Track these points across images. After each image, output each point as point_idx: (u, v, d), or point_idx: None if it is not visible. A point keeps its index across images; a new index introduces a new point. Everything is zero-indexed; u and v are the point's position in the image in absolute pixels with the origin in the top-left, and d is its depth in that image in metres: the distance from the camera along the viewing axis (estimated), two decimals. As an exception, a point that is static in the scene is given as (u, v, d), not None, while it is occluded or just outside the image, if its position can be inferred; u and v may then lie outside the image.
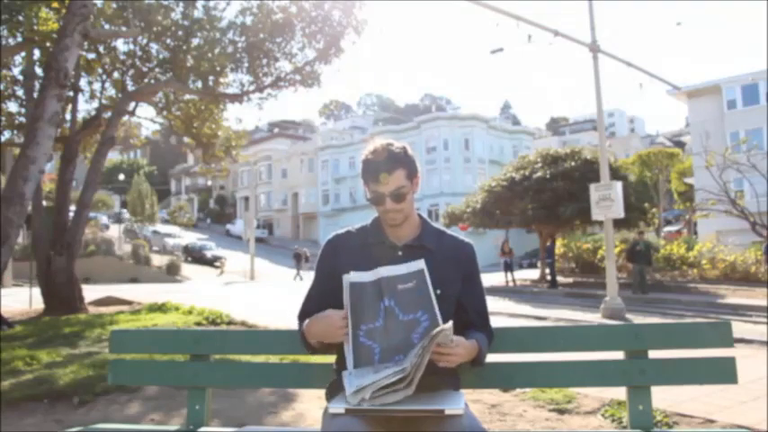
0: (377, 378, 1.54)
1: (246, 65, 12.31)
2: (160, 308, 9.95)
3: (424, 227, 1.92)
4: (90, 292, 12.37)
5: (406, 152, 1.83)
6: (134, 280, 27.75)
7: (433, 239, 1.90)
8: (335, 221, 46.65)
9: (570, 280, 20.66)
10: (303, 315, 1.93)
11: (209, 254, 37.38)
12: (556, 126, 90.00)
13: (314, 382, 2.13)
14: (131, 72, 12.70)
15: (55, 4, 9.54)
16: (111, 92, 13.09)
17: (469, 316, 1.92)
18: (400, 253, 1.86)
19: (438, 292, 1.79)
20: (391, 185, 1.79)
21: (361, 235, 1.93)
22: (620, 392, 3.17)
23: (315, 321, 1.80)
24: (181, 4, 12.26)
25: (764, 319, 10.40)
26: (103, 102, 12.83)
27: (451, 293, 1.86)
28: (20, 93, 11.77)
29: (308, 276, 29.54)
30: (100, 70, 12.54)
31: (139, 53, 12.53)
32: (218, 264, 35.35)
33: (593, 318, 11.51)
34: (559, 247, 21.36)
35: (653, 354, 2.02)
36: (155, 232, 40.15)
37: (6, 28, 10.22)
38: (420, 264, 1.74)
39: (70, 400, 4.30)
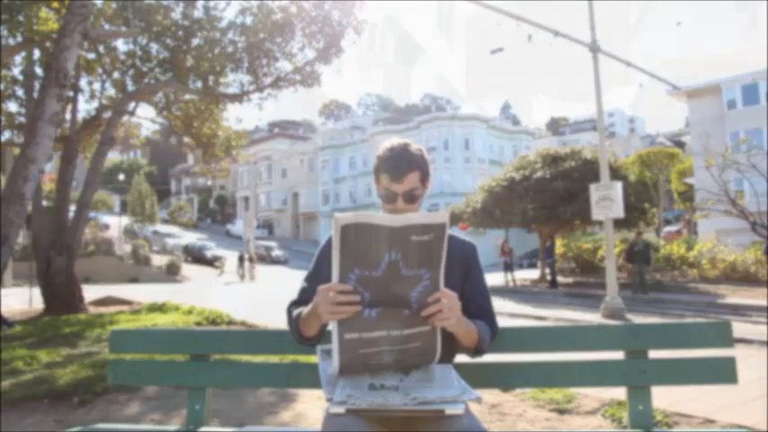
0: (370, 397, 1.55)
1: (246, 65, 12.33)
2: (160, 308, 9.96)
3: None
4: (90, 292, 12.38)
5: (422, 155, 1.84)
6: (134, 280, 27.78)
7: None
8: (335, 221, 46.58)
9: (570, 280, 20.65)
10: (295, 304, 1.89)
11: (208, 254, 37.44)
12: (556, 126, 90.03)
13: (314, 382, 2.12)
14: (131, 72, 12.72)
15: (55, 4, 9.55)
16: (111, 92, 13.12)
17: (471, 310, 1.91)
18: None
19: None
20: (405, 186, 1.79)
21: None
22: (620, 392, 3.16)
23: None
24: (181, 4, 12.27)
25: (764, 319, 10.40)
26: (103, 102, 12.86)
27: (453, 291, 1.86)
28: (20, 93, 11.79)
29: (255, 274, 29.67)
30: (100, 70, 12.56)
31: (139, 53, 12.53)
32: (217, 264, 35.39)
33: (593, 318, 11.51)
34: (559, 247, 21.36)
35: (653, 354, 2.02)
36: (155, 232, 40.17)
37: (6, 28, 10.23)
38: (443, 216, 1.52)
39: (70, 400, 4.30)
